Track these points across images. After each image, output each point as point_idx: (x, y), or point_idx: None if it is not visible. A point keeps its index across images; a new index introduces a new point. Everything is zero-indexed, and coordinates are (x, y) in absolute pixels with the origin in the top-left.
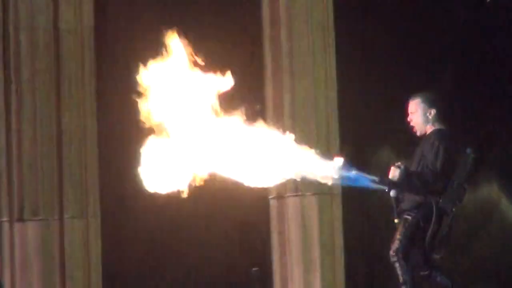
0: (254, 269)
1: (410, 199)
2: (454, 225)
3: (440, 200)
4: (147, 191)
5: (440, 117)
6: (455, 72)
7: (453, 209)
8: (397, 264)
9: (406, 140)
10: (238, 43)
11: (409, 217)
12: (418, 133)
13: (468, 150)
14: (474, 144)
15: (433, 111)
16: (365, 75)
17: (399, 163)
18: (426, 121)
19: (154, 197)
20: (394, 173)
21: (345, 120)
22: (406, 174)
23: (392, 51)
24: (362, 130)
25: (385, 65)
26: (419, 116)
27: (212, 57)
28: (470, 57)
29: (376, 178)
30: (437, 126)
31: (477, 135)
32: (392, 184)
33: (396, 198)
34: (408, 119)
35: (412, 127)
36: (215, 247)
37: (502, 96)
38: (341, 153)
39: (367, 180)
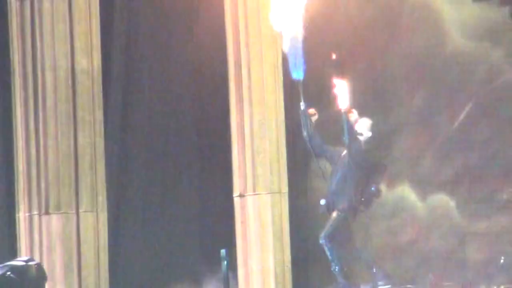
0: (222, 250)
1: (342, 201)
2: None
3: (362, 199)
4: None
5: None
6: None
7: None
8: (325, 246)
9: None
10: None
11: (339, 213)
12: None
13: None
14: None
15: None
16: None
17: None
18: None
19: None
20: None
21: None
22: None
23: None
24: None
25: None
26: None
27: None
28: None
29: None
30: None
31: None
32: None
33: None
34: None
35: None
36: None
37: None
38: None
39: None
